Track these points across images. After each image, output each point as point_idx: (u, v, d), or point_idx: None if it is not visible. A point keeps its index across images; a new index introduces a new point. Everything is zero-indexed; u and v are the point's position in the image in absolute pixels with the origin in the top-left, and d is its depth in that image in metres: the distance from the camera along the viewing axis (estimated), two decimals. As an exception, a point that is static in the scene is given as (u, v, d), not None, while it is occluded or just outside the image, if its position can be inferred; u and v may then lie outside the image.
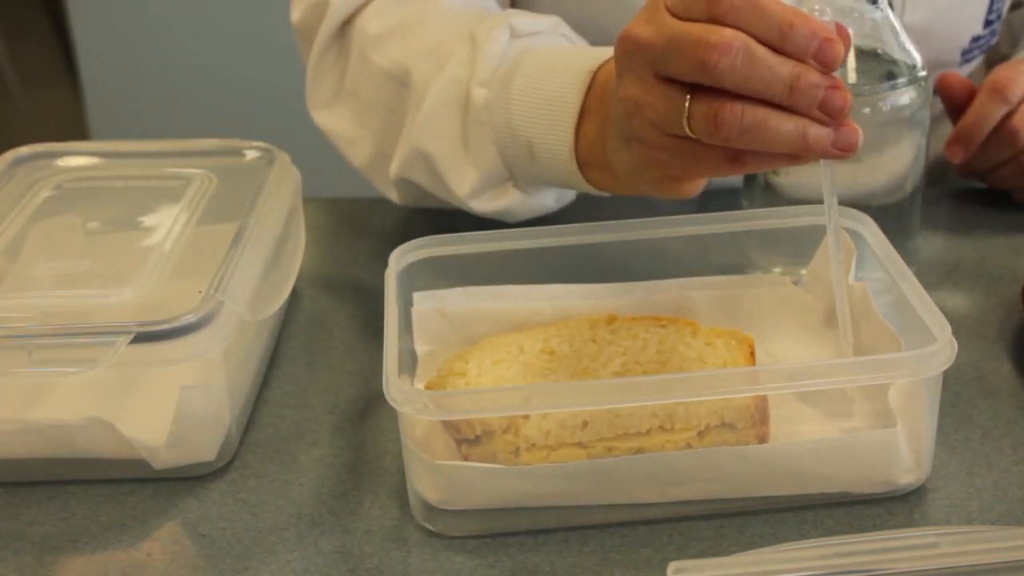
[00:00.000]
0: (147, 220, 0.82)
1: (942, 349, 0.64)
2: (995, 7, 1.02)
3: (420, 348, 0.78)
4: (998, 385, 0.78)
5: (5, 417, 0.72)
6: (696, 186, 0.70)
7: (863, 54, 0.80)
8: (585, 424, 0.66)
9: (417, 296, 0.78)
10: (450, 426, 0.69)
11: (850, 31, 0.78)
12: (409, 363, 0.77)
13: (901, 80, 0.80)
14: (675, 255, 0.78)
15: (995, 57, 1.11)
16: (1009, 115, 0.93)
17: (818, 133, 0.62)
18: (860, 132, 0.62)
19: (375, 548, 0.67)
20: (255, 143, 0.90)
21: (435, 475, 0.66)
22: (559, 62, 0.80)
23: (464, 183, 0.84)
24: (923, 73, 0.81)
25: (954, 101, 0.97)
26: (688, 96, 0.63)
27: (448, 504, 0.66)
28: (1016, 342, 0.81)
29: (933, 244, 0.93)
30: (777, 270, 0.83)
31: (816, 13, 0.76)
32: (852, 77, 0.79)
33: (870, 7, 0.79)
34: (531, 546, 0.66)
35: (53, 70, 3.08)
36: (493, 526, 0.67)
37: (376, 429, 0.76)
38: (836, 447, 0.67)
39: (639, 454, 0.66)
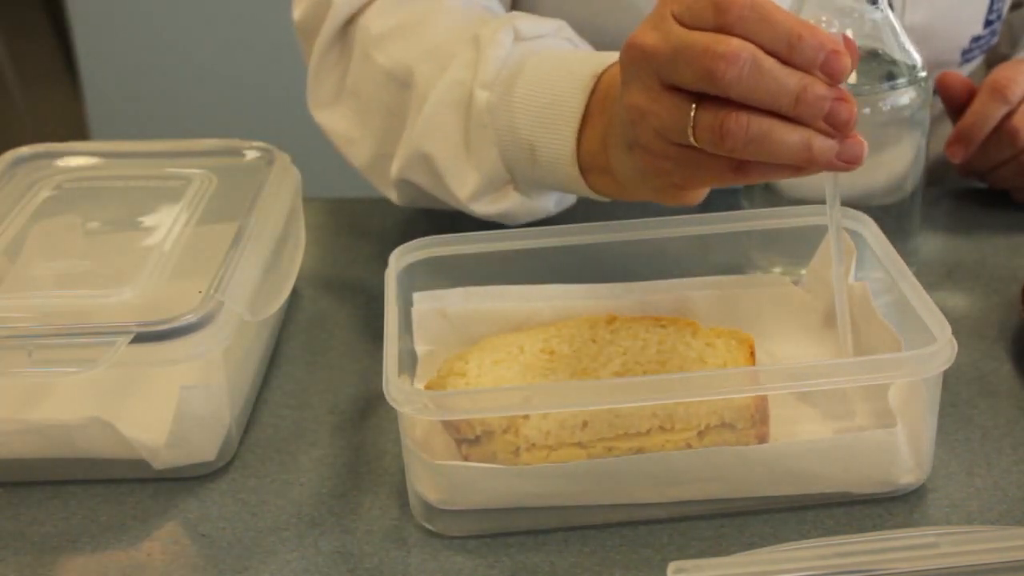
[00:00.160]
0: (147, 220, 0.82)
1: (942, 349, 0.64)
2: (995, 7, 1.02)
3: (420, 348, 0.78)
4: (998, 385, 0.78)
5: (5, 417, 0.73)
6: (699, 194, 0.70)
7: (863, 54, 0.80)
8: (585, 424, 0.66)
9: (417, 296, 0.78)
10: (450, 426, 0.69)
11: (849, 31, 0.79)
12: (409, 363, 0.77)
13: (901, 80, 0.80)
14: (675, 255, 0.78)
15: (995, 57, 1.11)
16: (1009, 115, 0.93)
17: (823, 145, 0.61)
18: (865, 145, 0.62)
19: (375, 548, 0.67)
20: (255, 143, 0.90)
21: (435, 475, 0.66)
22: (563, 66, 0.79)
23: (465, 185, 0.84)
24: (923, 73, 0.81)
25: (954, 101, 0.97)
26: (694, 105, 0.62)
27: (448, 504, 0.66)
28: (1016, 342, 0.81)
29: (933, 244, 0.93)
30: (777, 270, 0.83)
31: (823, 24, 0.76)
32: (852, 77, 0.79)
33: (870, 7, 0.79)
34: (531, 546, 0.66)
35: (53, 70, 3.07)
36: (493, 526, 0.67)
37: (376, 429, 0.76)
38: (836, 447, 0.67)
39: (639, 454, 0.66)
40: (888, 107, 0.80)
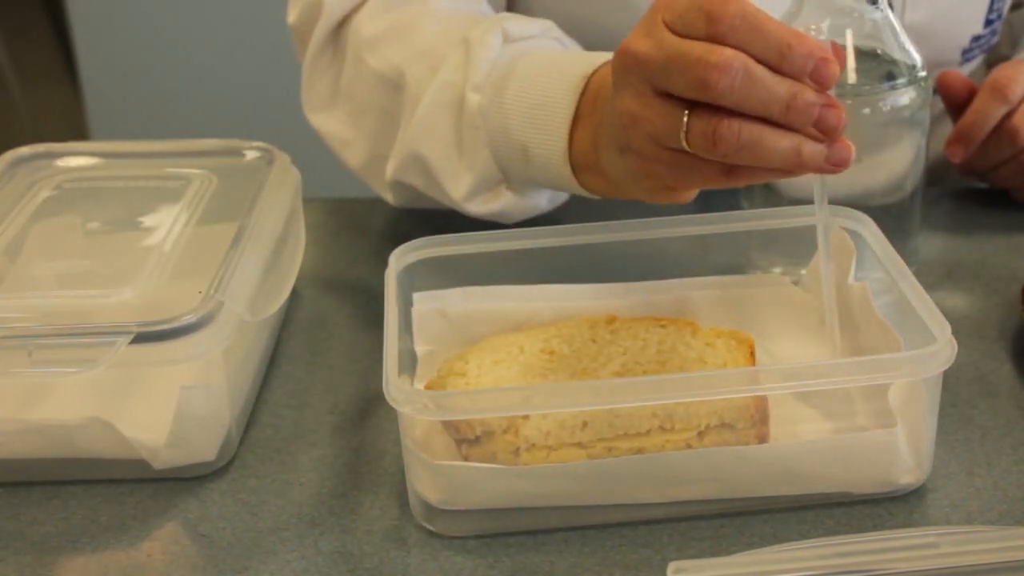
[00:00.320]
0: (147, 220, 0.82)
1: (942, 349, 0.64)
2: (995, 6, 1.02)
3: (420, 348, 0.78)
4: (998, 385, 0.78)
5: (5, 417, 0.73)
6: (690, 194, 0.71)
7: (863, 54, 0.80)
8: (585, 424, 0.66)
9: (417, 296, 0.78)
10: (450, 426, 0.69)
11: (849, 31, 0.79)
12: (409, 363, 0.77)
13: (901, 80, 0.80)
14: (675, 255, 0.78)
15: (995, 57, 1.11)
16: (1009, 114, 0.93)
17: (812, 150, 0.63)
18: (852, 148, 0.63)
19: (375, 548, 0.67)
20: (255, 143, 0.90)
21: (435, 475, 0.66)
22: (553, 67, 0.80)
23: (459, 186, 0.85)
24: (923, 73, 0.81)
25: (954, 100, 0.97)
26: (686, 112, 0.64)
27: (448, 504, 0.67)
28: (1016, 342, 0.81)
29: (933, 244, 0.93)
30: (777, 270, 0.83)
31: (812, 32, 0.76)
32: (852, 77, 0.79)
33: (870, 7, 0.79)
34: (531, 546, 0.66)
35: (53, 70, 3.07)
36: (493, 526, 0.67)
37: (376, 429, 0.76)
38: (836, 447, 0.67)
39: (639, 454, 0.66)
40: (888, 107, 0.80)
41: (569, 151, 0.78)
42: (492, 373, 0.72)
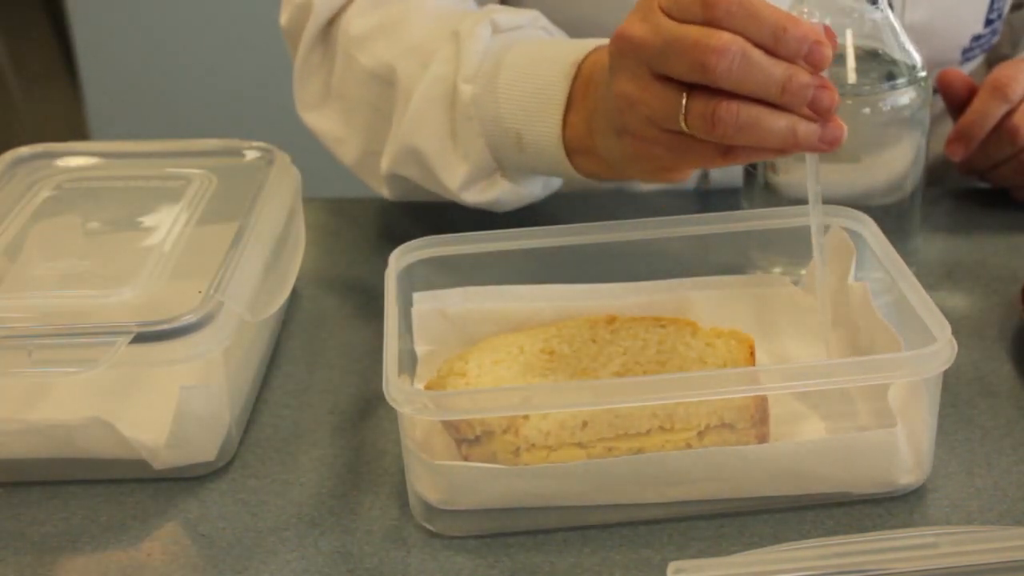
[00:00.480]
0: (147, 220, 0.82)
1: (942, 349, 0.64)
2: (996, 6, 1.02)
3: (420, 348, 0.78)
4: (998, 385, 0.78)
5: (5, 417, 0.72)
6: (686, 174, 0.73)
7: (863, 54, 0.80)
8: (585, 424, 0.66)
9: (417, 296, 0.78)
10: (450, 426, 0.69)
11: (849, 31, 0.79)
12: (409, 363, 0.77)
13: (901, 80, 0.80)
14: (675, 255, 0.78)
15: (996, 57, 1.11)
16: (1009, 113, 0.94)
17: (807, 129, 0.65)
18: (845, 127, 0.65)
19: (375, 548, 0.67)
20: (255, 143, 0.90)
21: (435, 475, 0.66)
22: (544, 55, 0.82)
23: (455, 176, 0.86)
24: (923, 73, 0.81)
25: (955, 98, 0.97)
26: (685, 94, 0.65)
27: (448, 504, 0.66)
28: (1016, 342, 0.81)
29: (933, 244, 0.93)
30: (777, 270, 0.83)
31: (805, 15, 0.77)
32: (852, 77, 0.79)
33: (870, 7, 0.79)
34: (531, 546, 0.66)
35: (53, 70, 3.07)
36: (493, 526, 0.67)
37: (376, 429, 0.76)
38: (836, 447, 0.67)
39: (639, 454, 0.66)
40: (888, 107, 0.80)
41: (563, 136, 0.80)
42: (492, 373, 0.72)
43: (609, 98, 0.71)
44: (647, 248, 0.78)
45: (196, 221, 0.81)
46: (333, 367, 0.82)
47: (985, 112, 0.93)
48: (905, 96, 0.80)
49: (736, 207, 0.84)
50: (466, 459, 0.68)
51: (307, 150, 1.00)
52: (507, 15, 0.87)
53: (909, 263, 0.77)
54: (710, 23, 0.64)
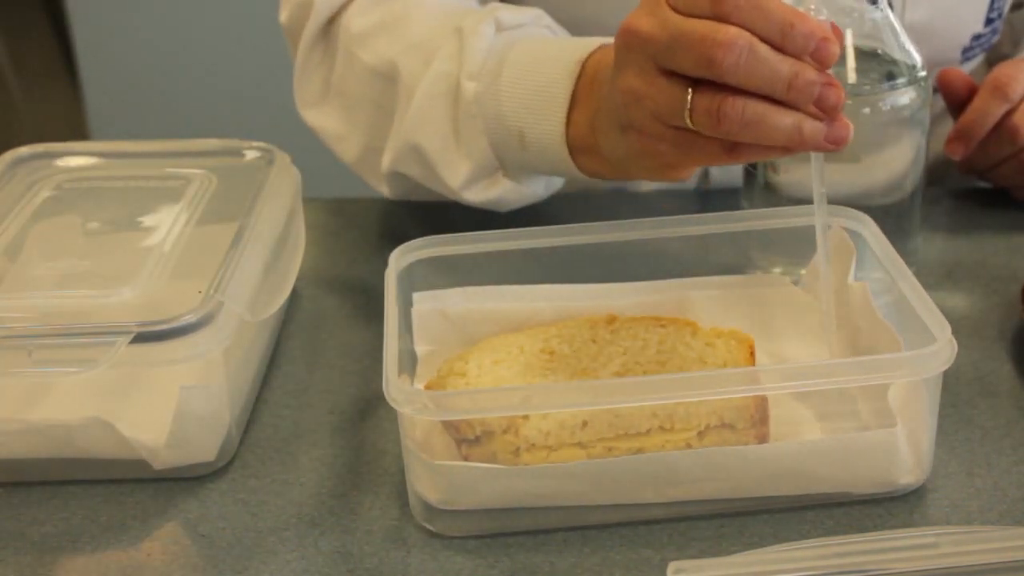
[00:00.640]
0: (147, 220, 0.82)
1: (942, 349, 0.64)
2: (996, 5, 1.02)
3: (420, 348, 0.78)
4: (998, 385, 0.77)
5: (5, 417, 0.72)
6: (689, 172, 0.72)
7: (863, 54, 0.80)
8: (585, 424, 0.66)
9: (417, 296, 0.78)
10: (450, 426, 0.69)
11: (849, 31, 0.79)
12: (409, 363, 0.76)
13: (901, 80, 0.80)
14: (675, 255, 0.78)
15: (996, 56, 1.11)
16: (1010, 113, 0.93)
17: (813, 127, 0.64)
18: (851, 126, 0.65)
19: (375, 548, 0.67)
20: (255, 143, 0.90)
21: (435, 475, 0.66)
22: (547, 53, 0.82)
23: (457, 174, 0.86)
24: (923, 73, 0.81)
25: (955, 97, 0.97)
26: (690, 89, 0.65)
27: (448, 504, 0.66)
28: (1016, 342, 0.81)
29: (933, 244, 0.93)
30: (777, 270, 0.83)
31: (812, 12, 0.77)
32: (852, 77, 0.79)
33: (870, 7, 0.79)
34: (531, 546, 0.66)
35: (53, 70, 3.07)
36: (493, 526, 0.67)
37: (376, 429, 0.76)
38: (836, 447, 0.67)
39: (639, 454, 0.66)
40: (888, 107, 0.80)
41: (566, 134, 0.80)
42: (492, 373, 0.72)
43: (614, 94, 0.70)
44: (647, 248, 0.77)
45: (196, 221, 0.81)
46: (333, 367, 0.82)
47: (985, 111, 0.93)
48: (905, 96, 0.80)
49: (736, 207, 0.84)
50: (466, 459, 0.68)
51: (307, 150, 1.01)
52: (510, 13, 0.87)
53: (909, 263, 0.77)
54: (718, 17, 0.63)
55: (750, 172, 0.86)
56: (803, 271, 0.81)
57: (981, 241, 0.93)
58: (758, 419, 0.68)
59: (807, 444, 0.68)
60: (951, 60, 1.02)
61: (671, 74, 0.66)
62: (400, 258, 0.76)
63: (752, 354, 0.73)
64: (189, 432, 0.71)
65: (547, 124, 0.80)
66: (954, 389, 0.77)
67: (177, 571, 0.66)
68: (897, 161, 0.83)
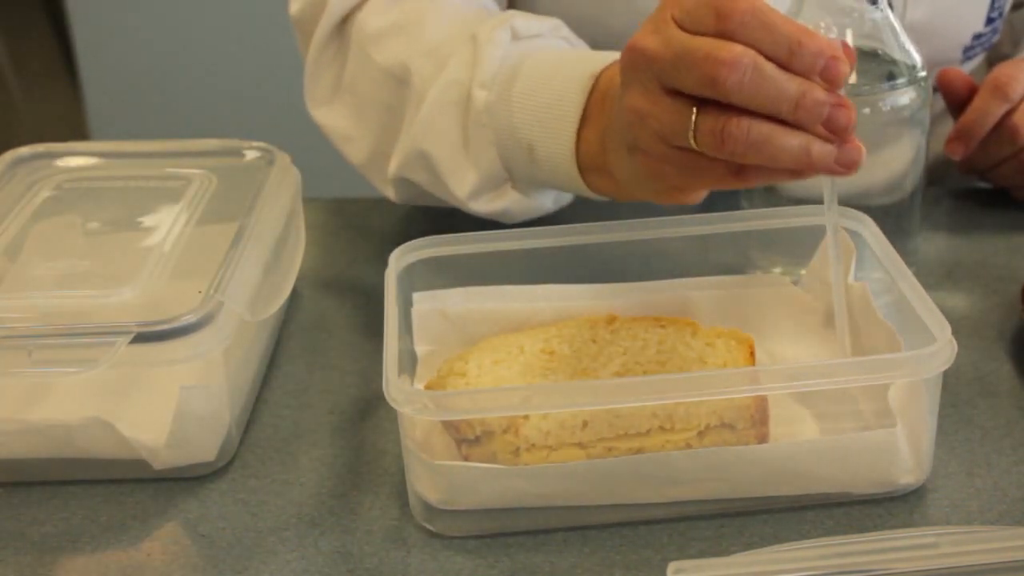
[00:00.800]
0: (147, 220, 0.82)
1: (942, 349, 0.64)
2: (997, 4, 1.02)
3: (420, 348, 0.78)
4: (998, 385, 0.78)
5: (5, 417, 0.73)
6: (698, 195, 0.70)
7: (863, 54, 0.80)
8: (585, 424, 0.66)
9: (417, 296, 0.78)
10: (450, 426, 0.69)
11: (849, 31, 0.79)
12: (409, 363, 0.76)
13: (901, 80, 0.80)
14: (675, 255, 0.78)
15: (996, 56, 1.11)
16: (1010, 112, 0.93)
17: (822, 150, 0.62)
18: (863, 150, 0.62)
19: (375, 548, 0.67)
20: (255, 143, 0.90)
21: (435, 475, 0.66)
22: (561, 66, 0.80)
23: (464, 184, 0.84)
24: (923, 73, 0.81)
25: (955, 97, 0.97)
26: (695, 109, 0.63)
27: (448, 504, 0.66)
28: (1016, 342, 0.81)
29: (933, 244, 0.93)
30: (777, 270, 0.83)
31: (822, 30, 0.76)
32: (852, 77, 0.79)
33: (870, 7, 0.79)
34: (531, 546, 0.66)
35: (53, 70, 3.08)
36: (493, 526, 0.67)
37: (376, 429, 0.76)
38: (836, 447, 0.67)
39: (639, 454, 0.66)
40: (888, 107, 0.80)
41: (576, 151, 0.78)
42: (492, 373, 0.72)
43: (621, 113, 0.68)
44: (647, 248, 0.77)
45: (196, 221, 0.81)
46: (333, 367, 0.82)
47: (985, 111, 0.93)
48: (905, 96, 0.80)
49: (736, 207, 0.84)
50: (466, 459, 0.68)
51: (307, 150, 1.01)
52: (527, 21, 0.85)
53: (909, 263, 0.77)
54: (723, 35, 0.61)
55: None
56: (803, 271, 0.81)
57: (981, 241, 0.93)
58: (758, 419, 0.68)
59: (807, 444, 0.68)
60: (952, 59, 1.02)
61: (676, 94, 0.64)
62: (400, 258, 0.76)
63: (752, 354, 0.73)
64: (189, 432, 0.71)
65: (557, 140, 0.79)
66: (954, 389, 0.77)
67: (177, 571, 0.66)
68: (897, 161, 0.83)
